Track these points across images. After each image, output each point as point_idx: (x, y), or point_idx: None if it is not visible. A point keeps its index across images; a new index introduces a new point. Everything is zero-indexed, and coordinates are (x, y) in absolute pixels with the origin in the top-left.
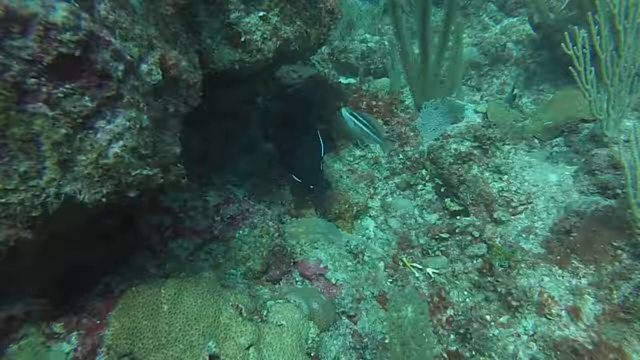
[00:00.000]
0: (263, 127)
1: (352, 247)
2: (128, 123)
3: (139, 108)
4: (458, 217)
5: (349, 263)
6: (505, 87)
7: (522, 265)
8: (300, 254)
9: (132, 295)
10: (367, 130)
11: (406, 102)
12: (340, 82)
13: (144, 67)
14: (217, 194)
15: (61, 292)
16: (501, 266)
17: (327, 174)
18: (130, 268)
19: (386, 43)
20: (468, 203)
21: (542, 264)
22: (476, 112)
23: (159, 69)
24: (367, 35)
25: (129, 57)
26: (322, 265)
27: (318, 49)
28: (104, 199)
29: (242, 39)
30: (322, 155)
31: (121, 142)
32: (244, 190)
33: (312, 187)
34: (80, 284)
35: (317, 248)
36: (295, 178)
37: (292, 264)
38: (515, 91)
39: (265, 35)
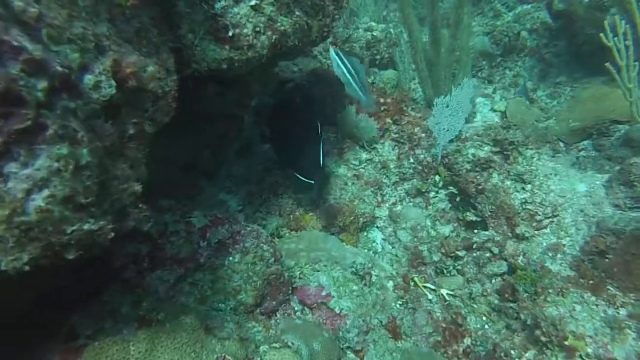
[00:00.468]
0: (259, 127)
1: (357, 267)
2: (56, 164)
3: (74, 140)
4: (475, 231)
5: (355, 287)
6: (519, 80)
7: (550, 291)
8: (300, 277)
9: (95, 352)
10: (349, 78)
11: (416, 98)
12: None
13: (89, 79)
14: (203, 214)
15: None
16: (526, 291)
17: (328, 169)
18: (100, 307)
19: (392, 32)
20: (486, 215)
21: (572, 290)
22: (494, 110)
23: (112, 80)
24: (372, 23)
25: (60, 68)
26: (324, 293)
27: (321, 42)
28: (26, 267)
29: (230, 34)
30: (322, 148)
31: (46, 192)
32: (239, 198)
33: (312, 182)
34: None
35: (318, 271)
36: (297, 175)
37: (290, 291)
38: (528, 84)
39: (257, 29)
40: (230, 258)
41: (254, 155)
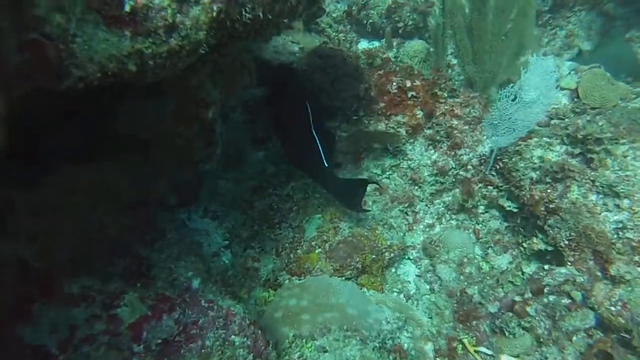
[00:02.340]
0: (252, 129)
1: (384, 335)
2: None
3: None
4: (546, 267)
5: None
6: (575, 40)
7: None
8: None
9: None
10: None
11: (451, 75)
12: (359, 49)
13: None
14: (139, 296)
15: None
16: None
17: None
18: None
19: None
20: (562, 244)
21: None
22: (560, 88)
23: None
24: None
25: None
26: None
27: (312, 9)
28: None
29: (127, 9)
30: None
31: None
32: (224, 230)
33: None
34: None
35: (326, 352)
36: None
37: None
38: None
39: None
40: None
41: (245, 166)
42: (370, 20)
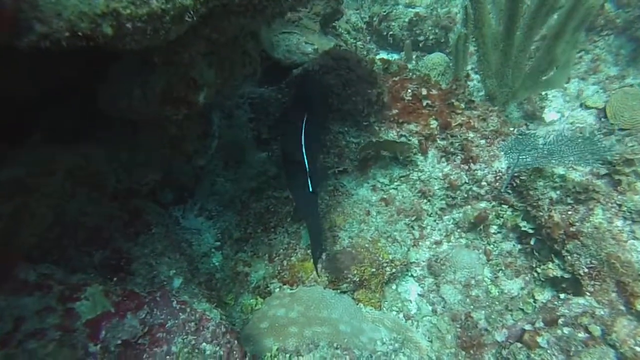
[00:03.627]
0: (256, 127)
1: (377, 357)
2: None
3: None
4: (562, 296)
5: None
6: (601, 65)
7: None
8: None
9: None
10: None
11: (472, 91)
12: (376, 59)
13: None
14: (104, 290)
15: None
16: None
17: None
18: None
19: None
20: (581, 272)
21: None
22: (586, 107)
23: None
24: None
25: None
26: None
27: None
28: None
29: None
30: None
31: None
32: (217, 230)
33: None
34: None
35: None
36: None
37: None
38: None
39: None
40: None
41: (246, 166)
42: (391, 32)
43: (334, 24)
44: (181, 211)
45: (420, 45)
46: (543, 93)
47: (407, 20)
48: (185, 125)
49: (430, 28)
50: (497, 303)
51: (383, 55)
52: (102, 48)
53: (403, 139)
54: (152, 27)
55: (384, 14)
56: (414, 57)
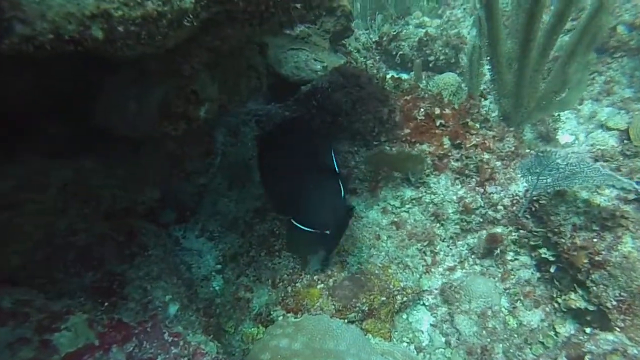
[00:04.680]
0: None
1: None
2: None
3: None
4: (588, 330)
5: None
6: (615, 87)
7: None
8: None
9: None
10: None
11: (487, 111)
12: (387, 78)
13: None
14: (88, 320)
15: None
16: None
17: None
18: None
19: (448, 31)
20: (609, 305)
21: None
22: (607, 128)
23: None
24: (425, 19)
25: None
26: None
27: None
28: None
29: None
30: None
31: None
32: (218, 252)
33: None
34: None
35: None
36: (299, 225)
37: None
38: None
39: None
40: None
41: (251, 186)
42: (401, 52)
43: (343, 41)
44: (182, 231)
45: (430, 65)
46: (556, 114)
47: (416, 40)
48: (185, 142)
49: (440, 48)
50: (515, 336)
51: (392, 74)
52: (93, 55)
53: (415, 152)
54: (146, 31)
55: (394, 33)
56: (423, 77)
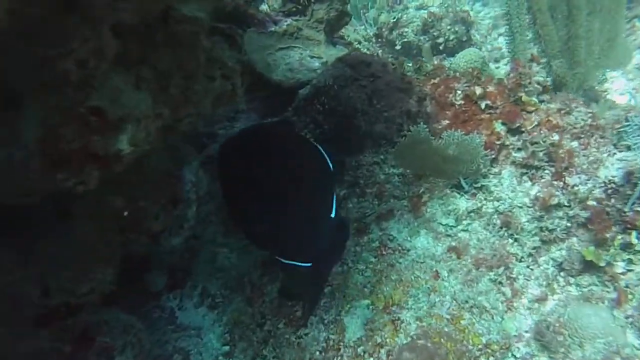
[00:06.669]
0: None
1: None
2: None
3: None
4: None
5: None
6: None
7: None
8: None
9: None
10: None
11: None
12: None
13: None
14: None
15: None
16: None
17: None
18: None
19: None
20: None
21: None
22: None
23: None
24: None
25: None
26: None
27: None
28: None
29: None
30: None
31: None
32: (224, 326)
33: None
34: None
35: None
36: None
37: None
38: None
39: None
40: None
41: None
42: (405, 39)
43: (341, 32)
44: (177, 299)
45: (441, 47)
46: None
47: (420, 22)
48: (136, 193)
49: (449, 27)
50: None
51: None
52: None
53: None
54: None
55: (394, 21)
56: (435, 62)
